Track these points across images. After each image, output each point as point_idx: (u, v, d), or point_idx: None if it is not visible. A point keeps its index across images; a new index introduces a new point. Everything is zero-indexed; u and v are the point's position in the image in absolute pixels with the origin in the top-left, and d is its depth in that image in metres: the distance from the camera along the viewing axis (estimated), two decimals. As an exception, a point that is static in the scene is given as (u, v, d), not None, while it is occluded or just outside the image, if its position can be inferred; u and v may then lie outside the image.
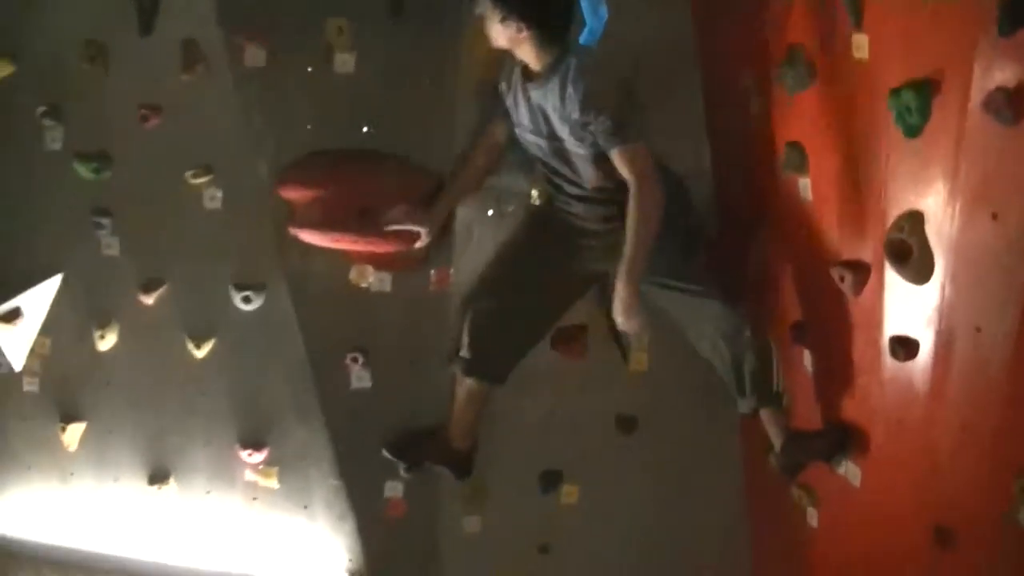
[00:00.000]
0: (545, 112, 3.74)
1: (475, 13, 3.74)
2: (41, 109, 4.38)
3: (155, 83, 4.27)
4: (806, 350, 4.00)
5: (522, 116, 3.84)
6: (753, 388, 3.97)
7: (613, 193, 3.77)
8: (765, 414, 4.03)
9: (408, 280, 4.35)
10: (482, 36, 3.84)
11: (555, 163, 3.85)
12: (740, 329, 3.95)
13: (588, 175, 3.78)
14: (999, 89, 2.83)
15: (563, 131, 3.72)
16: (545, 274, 3.98)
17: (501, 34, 3.66)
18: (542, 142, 3.82)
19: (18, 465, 4.93)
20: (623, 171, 3.65)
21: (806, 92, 3.67)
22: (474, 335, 4.01)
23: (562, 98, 3.64)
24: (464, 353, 4.03)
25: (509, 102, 3.89)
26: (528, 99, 3.77)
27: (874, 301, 3.52)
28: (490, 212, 4.25)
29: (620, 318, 3.76)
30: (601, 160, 3.71)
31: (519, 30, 3.61)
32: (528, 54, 3.70)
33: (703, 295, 3.96)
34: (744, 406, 4.03)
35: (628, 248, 3.68)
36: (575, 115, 3.62)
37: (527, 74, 3.77)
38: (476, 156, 4.09)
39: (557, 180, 3.92)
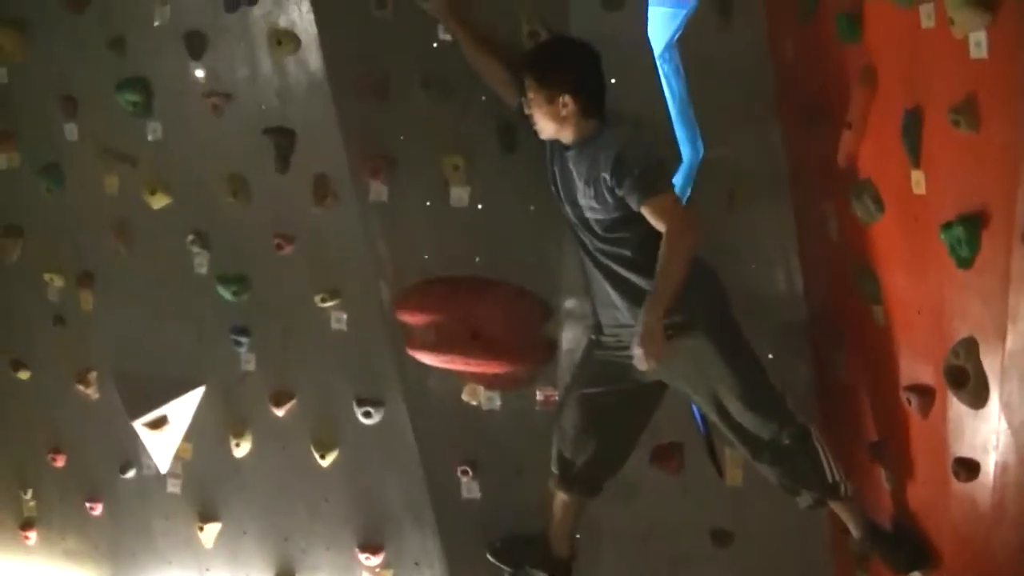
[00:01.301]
0: (574, 178, 3.96)
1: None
2: (190, 237, 4.85)
3: (290, 214, 4.68)
4: (883, 468, 4.11)
5: (560, 184, 4.06)
6: (807, 485, 4.04)
7: (634, 257, 3.94)
8: (834, 506, 4.12)
9: (516, 399, 4.61)
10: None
11: (583, 235, 4.04)
12: (778, 436, 4.02)
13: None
14: (1039, 223, 3.04)
15: (587, 195, 3.93)
16: (613, 389, 4.13)
17: (549, 116, 3.92)
18: (568, 209, 4.04)
19: (159, 560, 5.34)
20: (657, 222, 3.81)
21: (876, 223, 3.87)
22: (560, 450, 4.23)
23: (593, 162, 3.87)
24: (553, 468, 4.25)
25: (550, 171, 4.11)
26: (564, 166, 4.02)
27: (939, 423, 3.64)
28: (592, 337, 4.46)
29: (637, 350, 3.81)
30: (619, 225, 3.91)
31: (564, 105, 3.88)
32: (573, 129, 3.94)
33: (755, 406, 4.03)
34: (803, 502, 4.10)
35: (656, 279, 3.79)
36: (605, 176, 3.84)
37: (566, 145, 4.02)
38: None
39: (584, 253, 4.09)
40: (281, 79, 4.61)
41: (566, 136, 3.99)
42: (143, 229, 4.99)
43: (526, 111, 4.01)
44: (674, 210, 3.84)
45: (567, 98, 3.88)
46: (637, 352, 3.82)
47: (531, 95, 3.95)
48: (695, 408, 4.47)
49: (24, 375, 5.39)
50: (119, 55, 4.86)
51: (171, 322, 5.01)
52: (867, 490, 4.18)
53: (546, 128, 3.99)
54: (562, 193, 4.06)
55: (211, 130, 4.76)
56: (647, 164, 3.83)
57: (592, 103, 3.95)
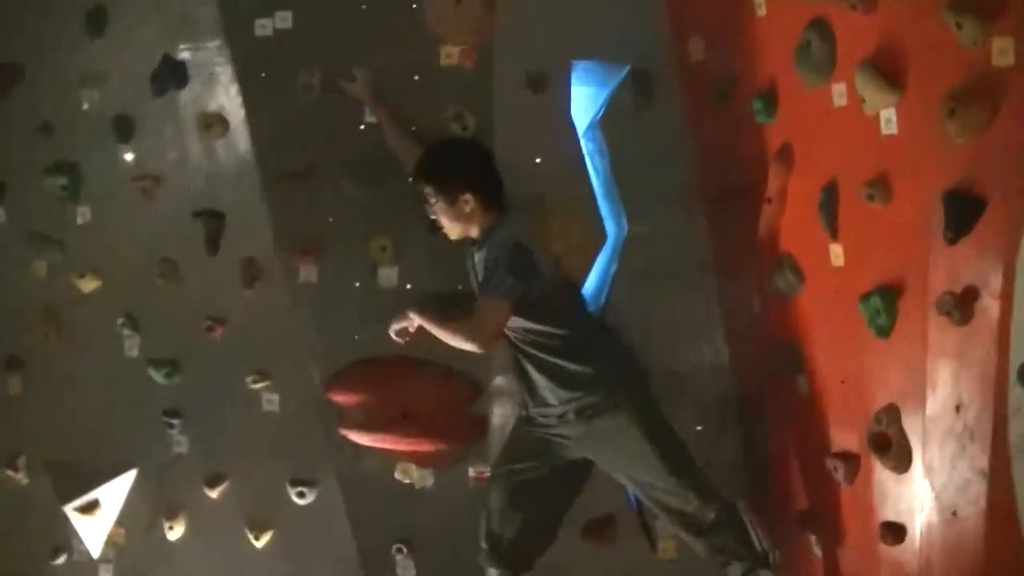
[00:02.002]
0: (479, 270, 4.08)
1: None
2: (120, 320, 4.86)
3: (220, 296, 4.72)
4: (812, 535, 4.19)
5: (474, 277, 4.15)
6: (736, 556, 4.07)
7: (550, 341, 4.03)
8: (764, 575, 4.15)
9: (449, 477, 4.64)
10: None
11: None
12: (703, 511, 4.06)
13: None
14: (948, 293, 3.17)
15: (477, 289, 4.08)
16: (539, 465, 4.18)
17: (453, 217, 4.04)
18: None
19: (93, 646, 5.24)
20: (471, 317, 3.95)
21: (798, 295, 4.00)
22: (489, 526, 4.24)
23: (490, 254, 3.97)
24: (482, 543, 4.25)
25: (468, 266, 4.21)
26: (473, 260, 4.13)
27: (865, 489, 3.75)
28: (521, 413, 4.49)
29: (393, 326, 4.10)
30: (524, 312, 3.96)
31: (466, 202, 4.00)
32: (478, 224, 4.06)
33: (678, 483, 4.06)
34: (733, 573, 4.11)
35: (435, 318, 4.00)
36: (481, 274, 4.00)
37: (473, 242, 4.12)
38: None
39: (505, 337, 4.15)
40: (210, 162, 4.68)
41: (473, 232, 4.10)
42: (72, 313, 4.98)
43: (431, 216, 4.12)
44: (481, 314, 3.93)
45: (468, 195, 4.01)
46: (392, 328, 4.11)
47: (432, 201, 4.07)
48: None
49: None
50: (47, 139, 4.89)
51: (101, 406, 4.98)
52: (798, 558, 4.26)
53: (453, 229, 4.11)
54: (475, 286, 4.14)
55: (141, 213, 4.80)
56: (504, 264, 3.91)
57: (492, 196, 4.09)
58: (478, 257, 4.08)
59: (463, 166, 4.09)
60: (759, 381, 4.43)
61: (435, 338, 4.02)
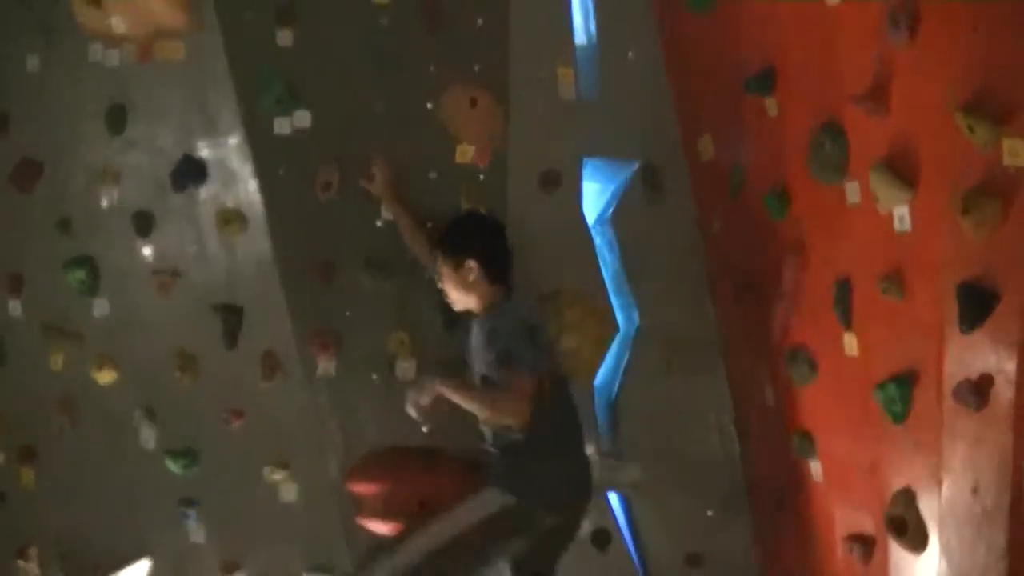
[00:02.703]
0: (474, 347, 4.19)
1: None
2: (137, 412, 4.96)
3: (238, 389, 4.83)
4: (829, 618, 4.35)
5: (469, 354, 4.31)
6: None
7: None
8: None
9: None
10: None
11: None
12: None
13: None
14: (965, 381, 3.36)
15: (477, 366, 4.19)
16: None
17: (457, 284, 4.19)
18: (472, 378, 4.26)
19: None
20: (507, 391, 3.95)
21: (810, 385, 4.20)
22: None
23: (483, 335, 4.10)
24: None
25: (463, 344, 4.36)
26: (468, 335, 4.26)
27: (881, 571, 3.92)
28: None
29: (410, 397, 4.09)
30: None
31: (470, 269, 4.15)
32: (479, 296, 4.20)
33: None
34: None
35: (477, 395, 4.03)
36: (484, 350, 4.08)
37: (473, 314, 4.26)
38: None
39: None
40: (229, 257, 4.80)
41: (474, 304, 4.25)
42: (88, 405, 5.05)
43: (439, 285, 4.29)
44: (520, 387, 3.96)
45: (471, 263, 4.17)
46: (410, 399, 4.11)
47: (442, 268, 4.23)
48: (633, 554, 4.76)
49: None
50: (65, 234, 4.99)
51: (117, 496, 5.04)
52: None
53: (457, 298, 4.26)
54: (471, 360, 4.29)
55: (159, 307, 4.90)
56: (514, 338, 4.01)
57: (496, 268, 4.24)
58: (477, 330, 4.19)
59: (472, 233, 4.27)
60: (772, 469, 4.60)
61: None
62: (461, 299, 4.25)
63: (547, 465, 4.10)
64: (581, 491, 4.26)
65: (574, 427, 4.29)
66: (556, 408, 4.18)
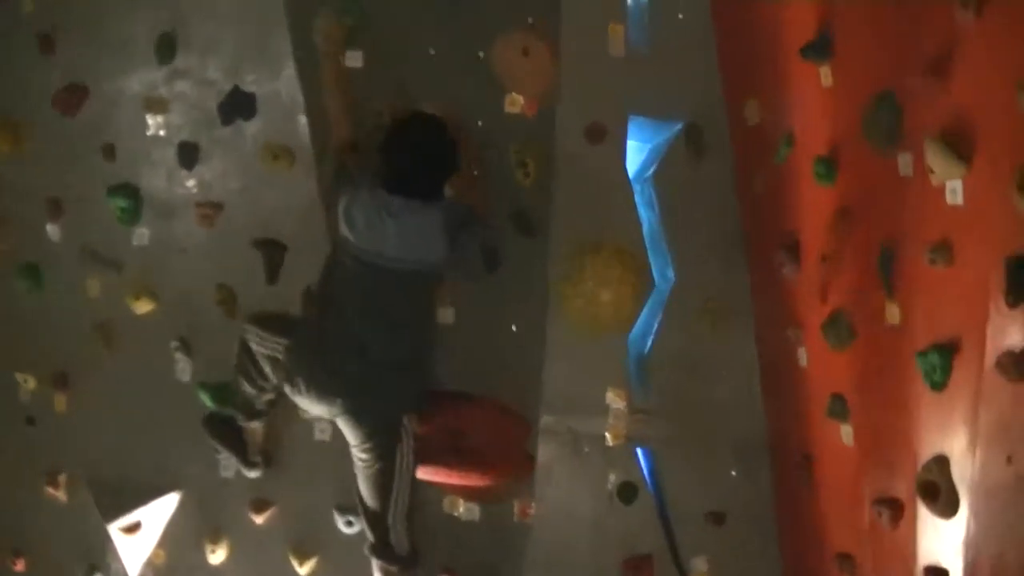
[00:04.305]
0: None
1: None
2: (174, 344, 5.13)
3: (276, 327, 4.98)
4: (849, 577, 4.56)
5: None
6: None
7: None
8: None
9: (494, 511, 4.99)
10: (569, 288, 4.75)
11: None
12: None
13: None
14: (1008, 352, 3.56)
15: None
16: None
17: None
18: None
19: (128, 666, 5.43)
20: None
21: (847, 350, 4.39)
22: None
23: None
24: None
25: None
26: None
27: (908, 534, 4.07)
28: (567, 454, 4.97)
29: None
30: None
31: None
32: None
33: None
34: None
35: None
36: None
37: None
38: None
39: None
40: (274, 193, 4.98)
41: None
42: (124, 333, 5.24)
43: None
44: None
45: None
46: None
47: None
48: (660, 516, 4.97)
49: None
50: (109, 160, 5.17)
51: (148, 427, 5.22)
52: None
53: None
54: None
55: (200, 240, 5.11)
56: None
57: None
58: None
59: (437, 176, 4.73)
60: (800, 429, 4.81)
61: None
62: None
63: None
64: None
65: None
66: None
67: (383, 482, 4.70)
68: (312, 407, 4.71)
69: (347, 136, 4.75)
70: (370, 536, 4.81)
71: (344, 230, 4.58)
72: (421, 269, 4.62)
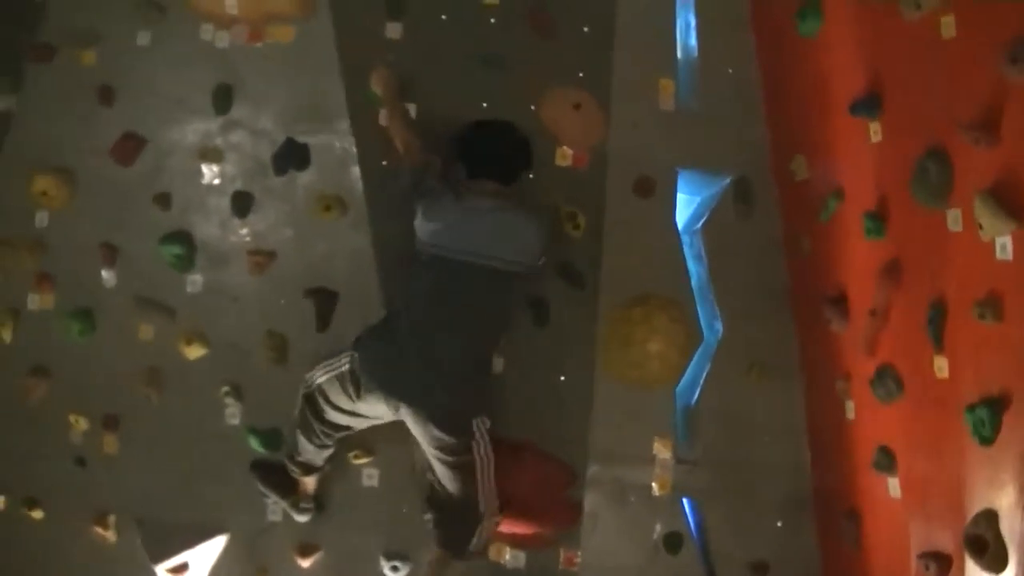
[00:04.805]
0: None
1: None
2: (224, 389, 5.22)
3: (327, 373, 5.08)
4: (896, 631, 4.59)
5: None
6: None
7: None
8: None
9: (540, 559, 5.05)
10: (617, 340, 4.83)
11: None
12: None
13: None
14: (1060, 406, 3.63)
15: None
16: None
17: None
18: None
19: None
20: None
21: (894, 403, 4.44)
22: None
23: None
24: None
25: None
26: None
27: None
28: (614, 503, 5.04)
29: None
30: None
31: None
32: None
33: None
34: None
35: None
36: None
37: None
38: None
39: None
40: (326, 242, 5.10)
41: None
42: (175, 377, 5.32)
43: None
44: None
45: None
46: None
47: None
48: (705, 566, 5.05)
49: (38, 514, 5.53)
50: (164, 209, 5.30)
51: (197, 469, 5.29)
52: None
53: None
54: None
55: (252, 287, 5.22)
56: None
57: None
58: None
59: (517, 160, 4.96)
60: (844, 482, 4.86)
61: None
62: None
63: None
64: None
65: None
66: None
67: (463, 479, 4.76)
68: (379, 408, 4.75)
69: (418, 155, 4.88)
70: (442, 531, 4.87)
71: (426, 232, 4.71)
72: (505, 268, 4.71)
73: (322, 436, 4.88)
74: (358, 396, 4.72)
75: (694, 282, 5.08)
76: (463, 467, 4.75)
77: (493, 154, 4.82)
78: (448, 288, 4.66)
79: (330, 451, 4.96)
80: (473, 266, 4.65)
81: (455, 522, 4.83)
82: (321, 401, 4.82)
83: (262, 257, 5.20)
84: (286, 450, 5.06)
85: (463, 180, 4.81)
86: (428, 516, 4.91)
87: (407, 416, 4.72)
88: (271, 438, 5.19)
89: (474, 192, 4.77)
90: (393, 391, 4.68)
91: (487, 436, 4.76)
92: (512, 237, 4.70)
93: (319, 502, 5.14)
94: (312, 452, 4.93)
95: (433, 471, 4.83)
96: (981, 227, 3.84)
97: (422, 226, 4.72)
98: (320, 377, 4.82)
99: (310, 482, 5.05)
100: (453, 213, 4.69)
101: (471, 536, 4.81)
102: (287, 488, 5.08)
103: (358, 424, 4.90)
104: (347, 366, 4.73)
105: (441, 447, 4.71)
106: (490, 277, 4.68)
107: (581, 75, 5.00)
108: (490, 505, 4.80)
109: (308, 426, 4.88)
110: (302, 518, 5.12)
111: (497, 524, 4.90)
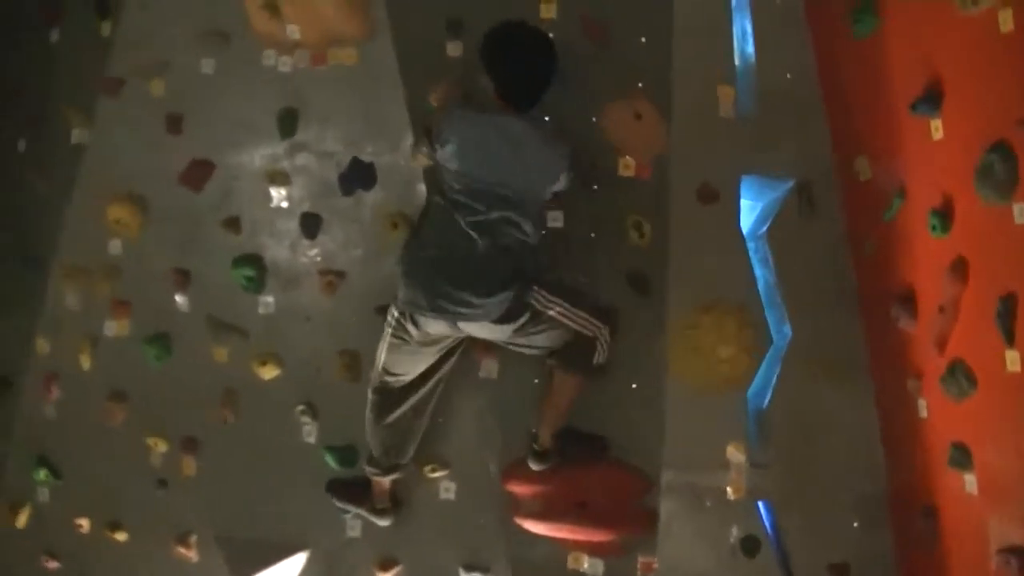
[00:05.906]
0: None
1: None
2: (300, 407, 5.37)
3: (401, 390, 5.20)
4: (976, 628, 4.64)
5: None
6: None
7: None
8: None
9: (618, 566, 5.13)
10: (687, 346, 4.95)
11: None
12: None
13: None
14: None
15: None
16: None
17: None
18: None
19: None
20: None
21: (967, 399, 4.50)
22: None
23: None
24: None
25: None
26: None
27: None
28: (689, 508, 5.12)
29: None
30: None
31: None
32: None
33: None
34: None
35: None
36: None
37: None
38: None
39: None
40: (394, 260, 5.10)
41: None
42: (250, 398, 5.48)
43: None
44: None
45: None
46: None
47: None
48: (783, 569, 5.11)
49: (121, 536, 5.70)
50: (234, 232, 5.48)
51: (275, 488, 5.43)
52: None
53: None
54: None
55: (323, 306, 5.37)
56: None
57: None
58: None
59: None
60: (919, 480, 4.92)
61: None
62: None
63: None
64: None
65: None
66: None
67: (557, 333, 4.87)
68: (440, 327, 4.83)
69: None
70: (564, 359, 4.95)
71: (451, 162, 4.76)
72: (532, 198, 4.85)
73: (394, 408, 5.01)
74: (417, 327, 4.83)
75: (761, 286, 5.16)
76: (549, 328, 4.84)
77: (525, 78, 4.85)
78: (475, 213, 4.74)
79: (403, 436, 5.08)
80: (499, 196, 4.74)
81: (572, 351, 4.90)
82: (387, 379, 4.99)
83: (332, 276, 5.34)
84: (362, 463, 5.19)
85: (491, 95, 4.87)
86: (549, 361, 4.99)
87: (469, 329, 4.84)
88: (347, 455, 5.32)
89: (498, 111, 4.85)
90: (445, 313, 4.74)
91: (547, 293, 4.83)
92: (540, 172, 4.82)
93: (396, 501, 5.24)
94: (385, 435, 5.06)
95: (531, 347, 4.95)
96: (1047, 221, 3.92)
97: (449, 156, 4.76)
98: (381, 358, 4.96)
99: (385, 482, 5.15)
100: (479, 142, 4.76)
101: (592, 354, 4.90)
102: (362, 497, 5.20)
103: (416, 366, 4.98)
104: (394, 322, 4.88)
105: (516, 330, 4.82)
106: (506, 201, 4.75)
107: (640, 85, 5.10)
108: (594, 327, 4.87)
109: (381, 406, 5.02)
110: (383, 521, 5.22)
111: (611, 335, 4.95)
